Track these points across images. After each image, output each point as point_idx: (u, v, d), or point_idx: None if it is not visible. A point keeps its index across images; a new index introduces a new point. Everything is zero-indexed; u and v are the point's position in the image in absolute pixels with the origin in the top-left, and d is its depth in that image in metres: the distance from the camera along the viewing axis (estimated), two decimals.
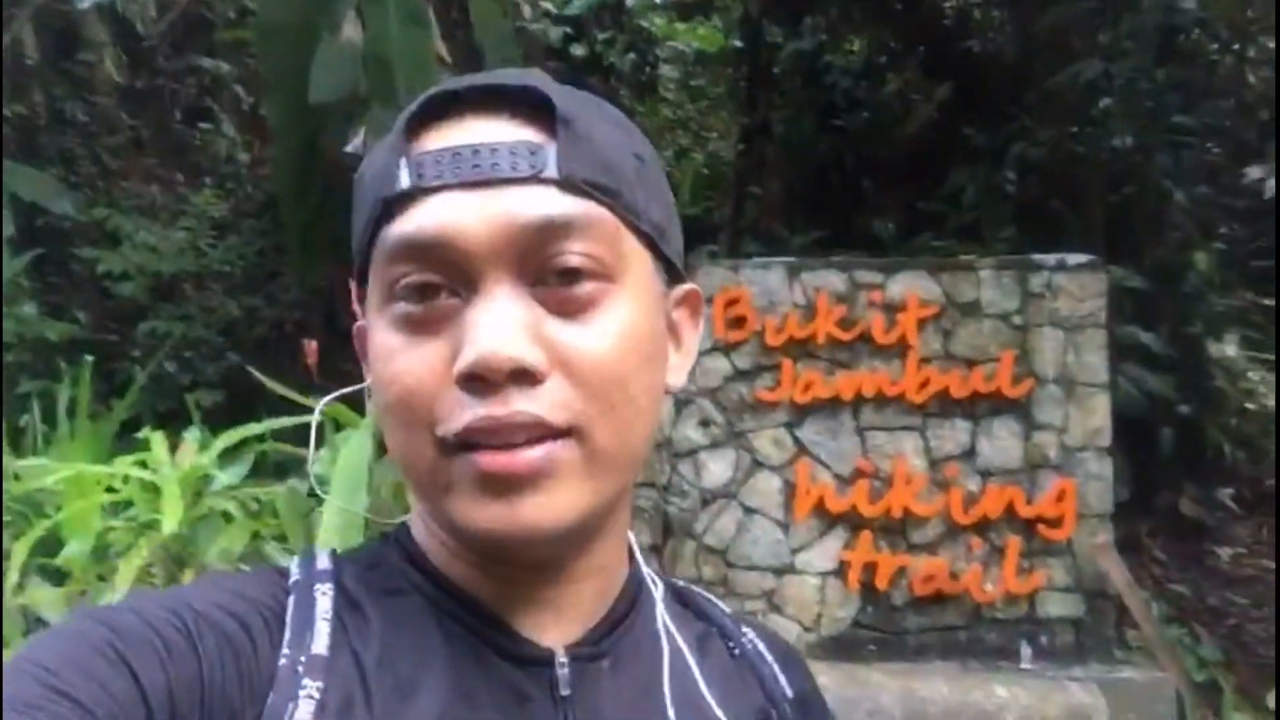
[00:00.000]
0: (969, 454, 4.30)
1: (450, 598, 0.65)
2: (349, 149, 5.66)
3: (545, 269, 0.60)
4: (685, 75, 8.57)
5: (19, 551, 3.43)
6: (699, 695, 0.67)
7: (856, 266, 4.35)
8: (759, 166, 7.35)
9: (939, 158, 6.98)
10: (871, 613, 4.32)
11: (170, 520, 3.41)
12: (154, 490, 3.77)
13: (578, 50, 8.78)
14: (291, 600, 0.63)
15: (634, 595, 0.70)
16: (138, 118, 9.27)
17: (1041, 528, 4.24)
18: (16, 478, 3.99)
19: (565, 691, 0.63)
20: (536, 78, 0.63)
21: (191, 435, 4.38)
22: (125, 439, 4.91)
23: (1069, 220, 6.06)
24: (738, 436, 4.32)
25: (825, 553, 4.32)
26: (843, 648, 4.27)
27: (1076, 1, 6.12)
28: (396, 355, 0.61)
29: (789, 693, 0.74)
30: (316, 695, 0.58)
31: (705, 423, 4.33)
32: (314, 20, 5.89)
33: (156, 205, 8.45)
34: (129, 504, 3.89)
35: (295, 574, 0.65)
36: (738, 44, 7.83)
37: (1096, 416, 4.27)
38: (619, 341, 0.61)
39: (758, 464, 4.34)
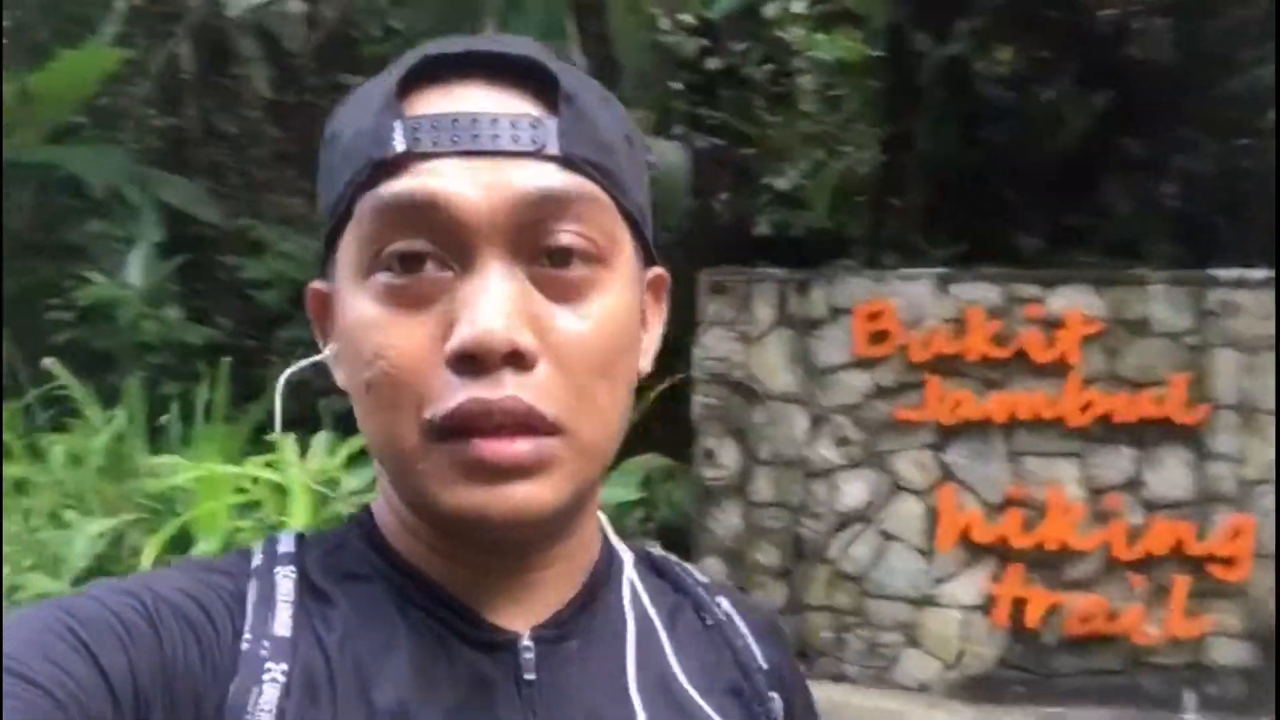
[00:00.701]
0: (1133, 484, 3.96)
1: (413, 583, 0.63)
2: None
3: (538, 247, 0.58)
4: (823, 86, 8.32)
5: (151, 548, 3.45)
6: (667, 667, 0.66)
7: (1013, 279, 4.07)
8: (899, 178, 7.05)
9: (1090, 170, 6.60)
10: (1020, 652, 4.01)
11: (297, 522, 3.40)
12: (282, 492, 3.76)
13: (713, 63, 8.65)
14: (253, 584, 0.61)
15: (605, 574, 0.68)
16: (284, 132, 9.52)
17: (1213, 567, 3.88)
18: (151, 475, 4.02)
19: (530, 676, 0.62)
20: (535, 49, 0.61)
21: (321, 440, 4.38)
22: (259, 442, 4.96)
23: (1230, 236, 5.63)
24: (877, 457, 4.08)
25: (970, 585, 4.04)
26: (986, 688, 3.97)
27: (1243, 8, 5.70)
28: (380, 329, 0.58)
29: (763, 664, 0.72)
30: (281, 678, 0.57)
31: (842, 441, 4.10)
32: (454, 33, 5.98)
33: (299, 216, 8.64)
34: (258, 505, 3.89)
35: (257, 558, 0.63)
36: (879, 53, 7.56)
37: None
38: (607, 332, 0.60)
39: (898, 487, 4.09)
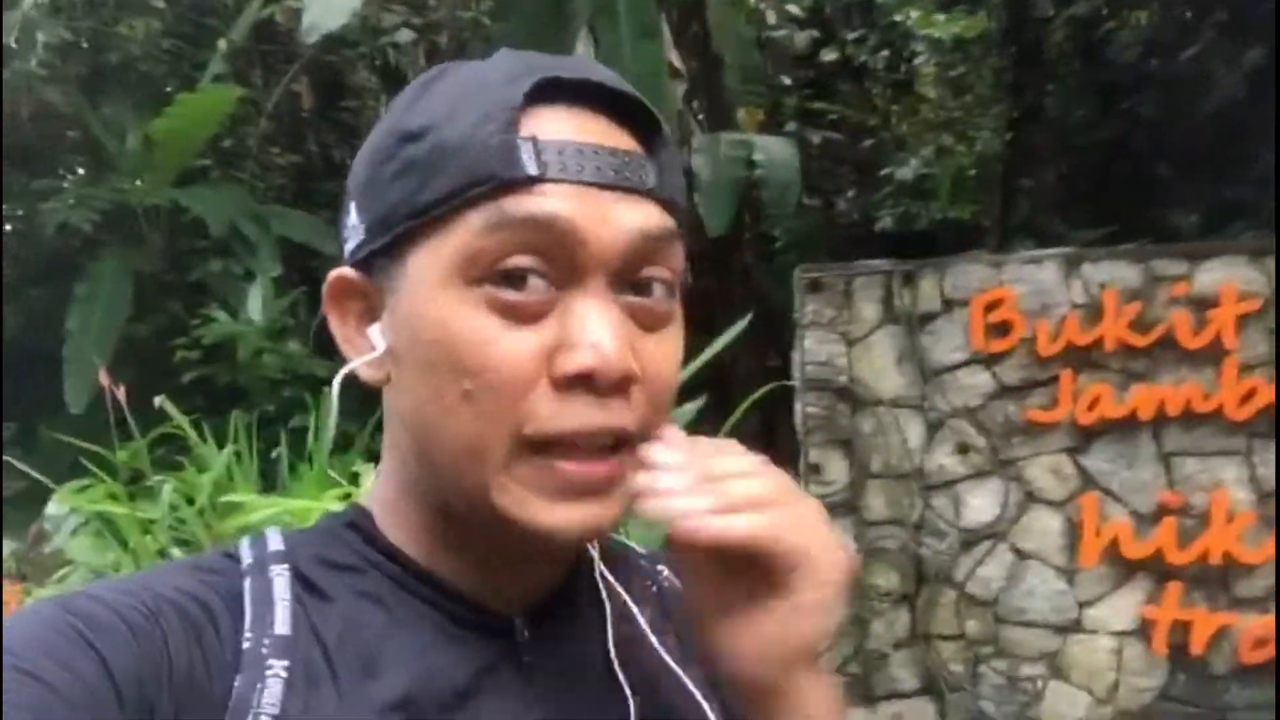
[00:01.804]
0: None
1: (407, 572, 0.66)
2: None
3: (633, 279, 0.62)
4: (943, 68, 7.81)
5: None
6: (640, 636, 0.71)
7: (1153, 255, 3.55)
8: (1030, 158, 6.50)
9: (1250, 135, 5.92)
10: (1184, 683, 3.49)
11: None
12: None
13: (828, 55, 8.25)
14: (248, 583, 0.63)
15: (579, 556, 0.72)
16: None
17: None
18: (232, 513, 3.91)
19: (527, 657, 0.66)
20: (636, 91, 0.64)
21: None
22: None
23: None
24: (1005, 465, 3.62)
25: (1122, 608, 3.53)
26: None
27: None
28: (489, 343, 0.60)
29: None
30: (284, 674, 0.59)
31: (964, 449, 3.65)
32: (548, 41, 5.87)
33: None
34: None
35: (247, 557, 0.65)
36: (1000, 26, 7.02)
37: None
38: (677, 358, 0.65)
39: (1032, 498, 3.62)
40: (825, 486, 3.74)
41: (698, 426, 3.95)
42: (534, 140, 0.60)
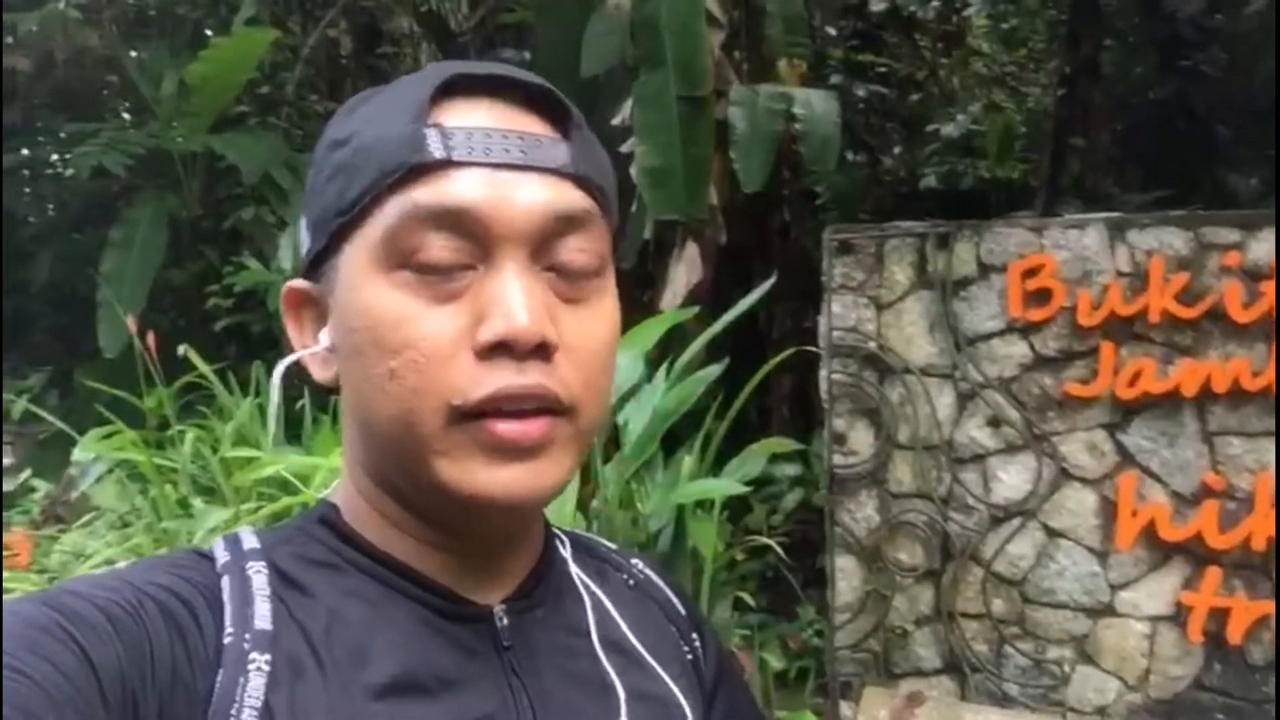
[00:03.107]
0: None
1: (386, 567, 0.67)
2: (616, 122, 5.35)
3: (553, 255, 0.65)
4: (996, 19, 7.51)
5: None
6: (617, 628, 0.74)
7: (1204, 222, 3.34)
8: (1083, 115, 6.22)
9: None
10: (1220, 672, 3.33)
11: None
12: None
13: (877, 4, 7.97)
14: (226, 580, 0.63)
15: (551, 548, 0.76)
16: None
17: None
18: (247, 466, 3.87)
19: (508, 643, 0.68)
20: (545, 82, 0.67)
21: None
22: None
23: None
24: (1039, 440, 3.46)
25: (1158, 592, 3.38)
26: (1178, 715, 3.32)
27: None
28: (409, 321, 0.62)
29: (683, 611, 0.82)
30: (267, 668, 0.60)
31: (996, 422, 3.49)
32: None
33: None
34: None
35: (223, 555, 0.66)
36: None
37: None
38: (607, 331, 0.68)
39: (1066, 475, 3.45)
40: (850, 456, 3.61)
41: (719, 389, 3.83)
42: (439, 127, 0.63)
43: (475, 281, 0.63)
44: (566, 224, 0.65)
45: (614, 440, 3.54)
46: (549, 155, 0.65)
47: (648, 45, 5.18)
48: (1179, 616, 3.35)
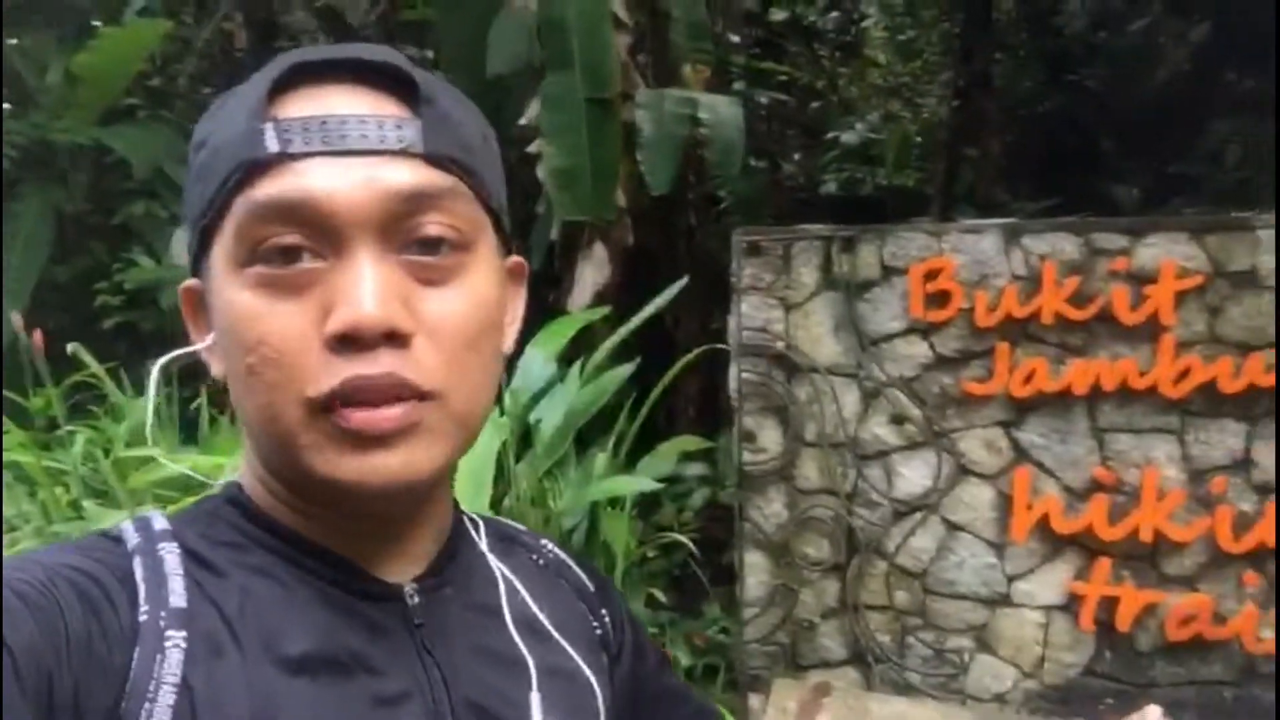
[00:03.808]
0: (1242, 464, 3.39)
1: (295, 548, 0.68)
2: (522, 122, 5.34)
3: (409, 237, 0.64)
4: (893, 31, 7.72)
5: None
6: (527, 607, 0.76)
7: (1094, 228, 3.50)
8: (976, 126, 6.45)
9: (1193, 110, 5.92)
10: (1110, 659, 3.49)
11: None
12: None
13: (778, 14, 8.12)
14: (138, 561, 0.64)
15: (461, 528, 0.77)
16: None
17: None
18: (142, 468, 3.76)
19: (419, 620, 0.69)
20: (394, 55, 0.66)
21: None
22: None
23: None
24: (939, 437, 3.58)
25: (1051, 583, 3.52)
26: (1071, 701, 3.47)
27: None
28: (259, 317, 0.63)
29: (592, 588, 0.84)
30: (183, 644, 0.60)
31: (899, 419, 3.60)
32: None
33: None
34: None
35: (134, 537, 0.66)
36: None
37: None
38: (475, 310, 0.66)
39: (964, 471, 3.58)
40: (759, 454, 3.68)
41: (630, 388, 3.87)
42: (275, 120, 0.63)
43: (326, 273, 0.62)
44: (417, 204, 0.64)
45: (526, 439, 3.54)
46: (394, 135, 0.64)
47: (554, 46, 5.19)
48: (1071, 606, 3.49)
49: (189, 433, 5.00)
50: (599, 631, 0.83)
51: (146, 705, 0.58)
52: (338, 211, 0.62)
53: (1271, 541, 3.33)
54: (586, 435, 3.76)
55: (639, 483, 3.37)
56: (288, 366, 0.62)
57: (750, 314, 3.67)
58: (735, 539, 3.74)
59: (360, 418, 0.61)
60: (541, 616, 0.76)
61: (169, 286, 6.45)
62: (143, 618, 0.61)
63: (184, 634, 0.61)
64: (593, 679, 0.77)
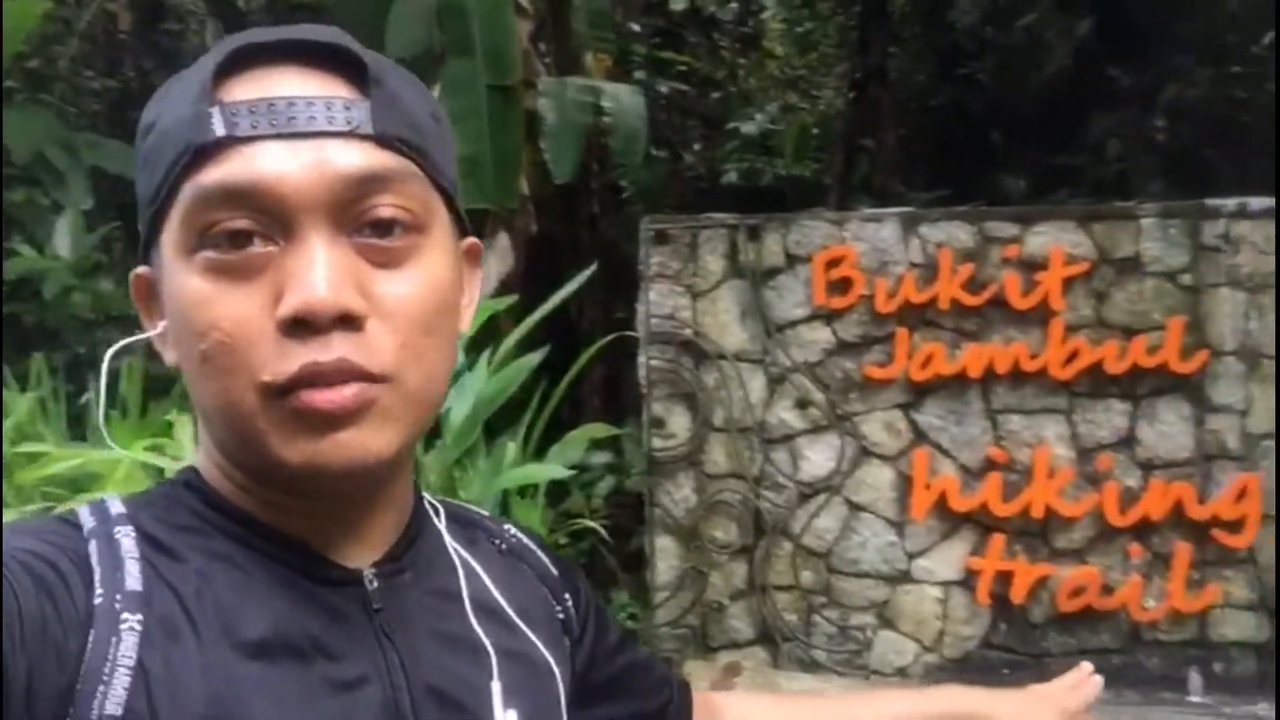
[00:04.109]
0: (1127, 442, 3.56)
1: (253, 532, 0.68)
2: None
3: (360, 220, 0.63)
4: (790, 24, 7.84)
5: None
6: (486, 591, 0.76)
7: (987, 217, 3.63)
8: (872, 118, 6.60)
9: (1077, 105, 6.16)
10: (1005, 631, 3.64)
11: None
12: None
13: (677, 4, 8.17)
14: (93, 545, 0.63)
15: (421, 513, 0.77)
16: None
17: (1217, 532, 3.50)
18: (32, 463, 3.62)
19: (378, 605, 0.69)
20: (342, 36, 0.65)
21: None
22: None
23: (1228, 171, 5.20)
24: (842, 420, 3.67)
25: (949, 559, 3.65)
26: (970, 672, 3.60)
27: None
28: (211, 303, 0.62)
29: (555, 572, 0.85)
30: (139, 627, 0.60)
31: (803, 404, 3.68)
32: None
33: None
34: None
35: (89, 521, 0.65)
36: None
37: None
38: (429, 292, 0.66)
39: (866, 453, 3.68)
40: (668, 440, 3.72)
41: (539, 377, 3.87)
42: (221, 104, 0.62)
43: (277, 257, 0.62)
44: (368, 186, 0.63)
45: (435, 428, 3.52)
46: (342, 117, 0.63)
47: (456, 32, 5.12)
48: (968, 581, 3.63)
49: (78, 429, 4.83)
50: (561, 616, 0.83)
51: (101, 688, 0.58)
52: (287, 195, 0.61)
53: (1155, 516, 3.51)
54: (494, 424, 3.75)
55: (550, 470, 3.38)
56: (241, 352, 0.61)
57: (658, 301, 3.71)
58: (645, 524, 3.78)
59: (317, 398, 0.61)
60: (502, 601, 0.76)
61: (53, 276, 6.23)
62: (98, 601, 0.60)
63: (139, 617, 0.60)
64: (553, 663, 0.77)
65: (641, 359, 3.73)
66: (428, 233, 0.66)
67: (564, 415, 4.51)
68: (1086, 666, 1.00)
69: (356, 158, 0.62)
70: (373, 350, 0.62)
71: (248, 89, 0.63)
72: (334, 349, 0.61)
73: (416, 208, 0.65)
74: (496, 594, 0.76)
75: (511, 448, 3.44)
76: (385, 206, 0.63)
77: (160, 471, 3.51)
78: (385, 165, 0.63)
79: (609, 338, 3.89)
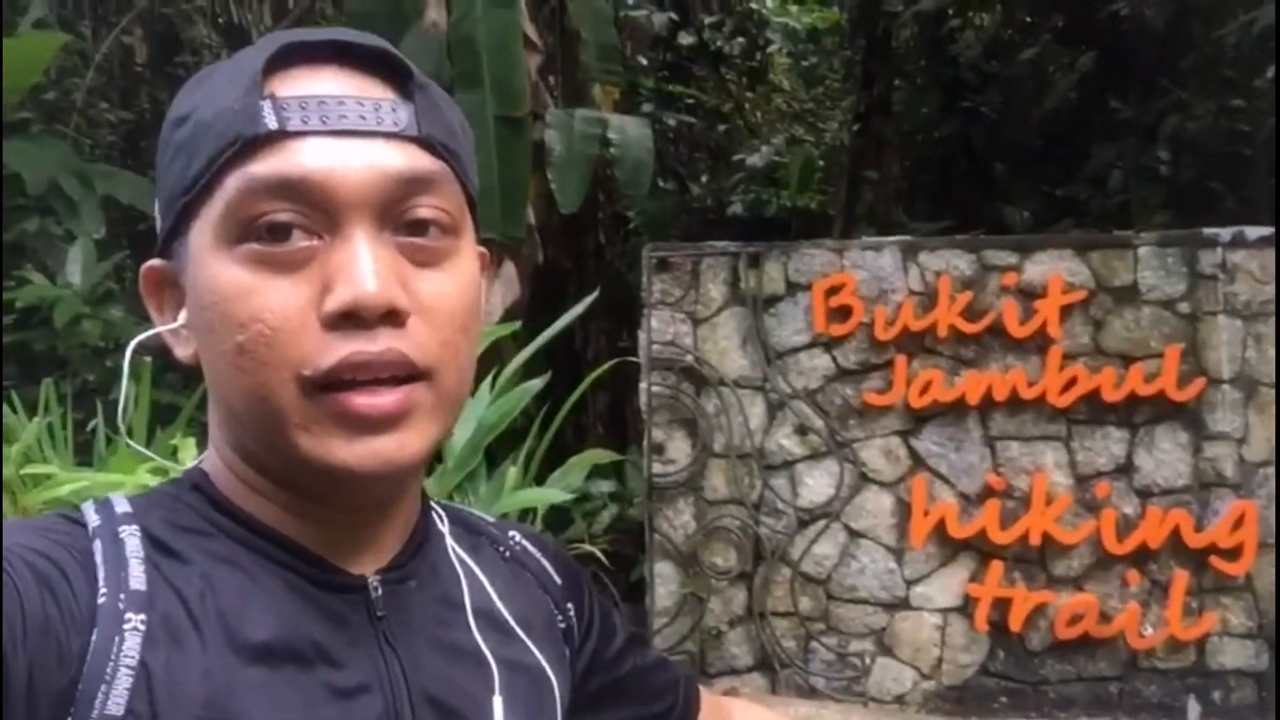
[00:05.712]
0: (1124, 469, 3.58)
1: (259, 536, 0.67)
2: None
3: (401, 219, 0.64)
4: (796, 58, 7.93)
5: None
6: (489, 600, 0.76)
7: (985, 246, 3.67)
8: (876, 150, 6.66)
9: (1080, 137, 6.21)
10: (1003, 659, 3.63)
11: None
12: None
13: (685, 38, 8.27)
14: (98, 544, 0.63)
15: (426, 521, 0.76)
16: None
17: (1214, 560, 3.50)
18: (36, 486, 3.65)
19: (381, 612, 0.69)
20: (383, 41, 0.67)
21: None
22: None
23: (1228, 202, 5.24)
24: (841, 447, 3.69)
25: (947, 586, 3.66)
26: (968, 699, 3.60)
27: None
28: (254, 294, 0.62)
29: (558, 580, 0.84)
30: (142, 627, 0.60)
31: (803, 430, 3.71)
32: (401, 6, 5.71)
33: None
34: None
35: (94, 519, 0.65)
36: (852, 18, 7.16)
37: None
38: (463, 292, 0.67)
39: (865, 479, 3.70)
40: (668, 465, 3.75)
41: (541, 402, 3.90)
42: (273, 97, 0.63)
43: (321, 251, 0.62)
44: (412, 187, 0.64)
45: (436, 453, 3.55)
46: (390, 118, 0.64)
47: (464, 64, 5.20)
48: (967, 608, 3.63)
49: (85, 455, 4.87)
50: (562, 625, 0.82)
51: (103, 687, 0.58)
52: (337, 190, 0.62)
53: (1153, 543, 3.51)
54: (496, 450, 3.78)
55: (551, 495, 3.40)
56: (282, 344, 0.61)
57: (659, 328, 3.75)
58: (645, 550, 3.79)
59: (362, 403, 0.61)
60: (504, 610, 0.76)
61: (64, 305, 6.29)
62: (101, 600, 0.60)
63: (143, 617, 0.60)
64: (551, 673, 0.77)
65: (643, 385, 3.76)
66: (461, 235, 0.68)
67: (567, 441, 4.54)
68: None
69: (402, 158, 0.64)
70: (416, 344, 0.63)
71: (295, 86, 0.64)
72: (380, 341, 0.61)
73: (453, 210, 0.67)
74: (498, 602, 0.76)
75: (513, 473, 3.47)
76: (425, 207, 0.65)
77: None
78: (428, 168, 0.65)
79: (610, 363, 3.93)
